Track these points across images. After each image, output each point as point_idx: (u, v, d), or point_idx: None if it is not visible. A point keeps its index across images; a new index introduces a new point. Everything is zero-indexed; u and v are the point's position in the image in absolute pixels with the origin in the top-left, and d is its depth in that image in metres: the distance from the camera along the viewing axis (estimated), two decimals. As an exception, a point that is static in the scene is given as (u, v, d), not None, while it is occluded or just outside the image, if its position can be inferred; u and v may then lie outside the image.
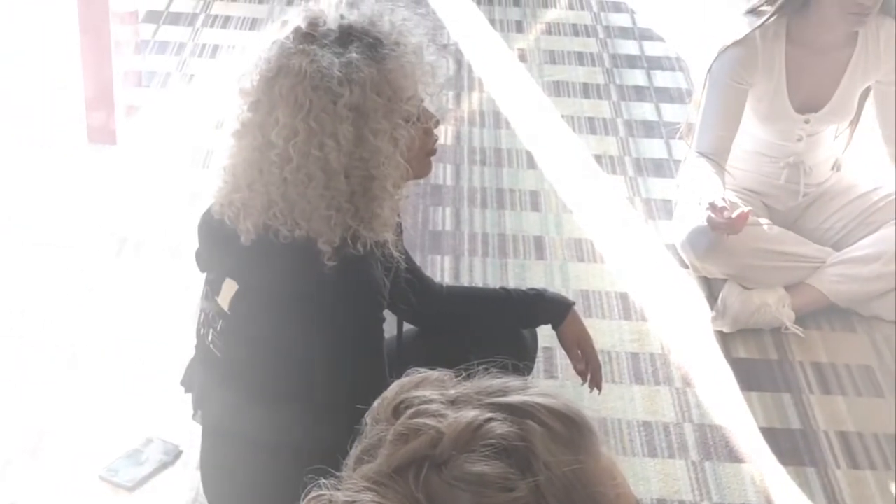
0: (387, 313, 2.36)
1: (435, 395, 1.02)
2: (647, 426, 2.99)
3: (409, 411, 1.01)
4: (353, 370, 2.16)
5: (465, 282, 3.45)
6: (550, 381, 3.07)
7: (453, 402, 1.01)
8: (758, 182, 3.50)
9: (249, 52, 2.08)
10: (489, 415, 0.99)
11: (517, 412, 0.99)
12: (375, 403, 1.04)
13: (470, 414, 0.99)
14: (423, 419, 0.99)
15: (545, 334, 2.71)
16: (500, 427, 0.98)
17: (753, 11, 3.37)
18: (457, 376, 1.05)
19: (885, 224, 3.39)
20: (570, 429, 1.00)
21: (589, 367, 2.69)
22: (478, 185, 3.94)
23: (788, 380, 3.16)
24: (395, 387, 1.04)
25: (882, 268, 3.33)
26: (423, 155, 2.23)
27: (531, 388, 1.02)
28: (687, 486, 2.81)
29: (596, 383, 2.71)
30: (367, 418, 1.04)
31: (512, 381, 1.03)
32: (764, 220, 3.40)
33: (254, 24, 4.84)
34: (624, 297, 3.44)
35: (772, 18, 3.31)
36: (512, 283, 3.40)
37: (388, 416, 1.02)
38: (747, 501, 2.78)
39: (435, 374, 1.05)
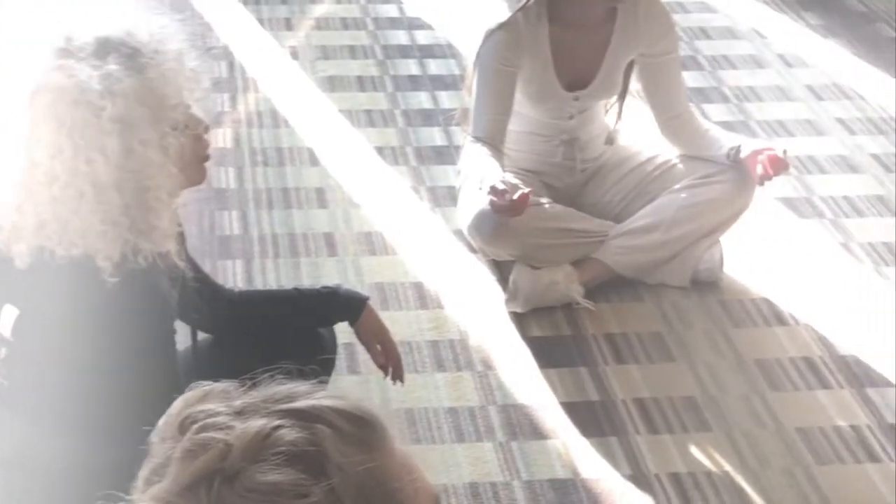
0: (179, 324, 2.32)
1: (221, 408, 1.00)
2: (453, 412, 3.01)
3: (195, 426, 0.99)
4: (144, 386, 2.11)
5: (258, 285, 3.42)
6: (354, 377, 3.06)
7: (240, 413, 1.00)
8: (535, 162, 3.55)
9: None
10: (277, 422, 0.98)
11: (306, 417, 0.99)
12: (161, 421, 1.02)
13: (258, 423, 0.98)
14: (209, 433, 0.98)
15: (346, 330, 2.70)
16: (290, 433, 0.97)
17: (514, -5, 3.42)
18: (243, 386, 1.03)
19: (662, 193, 3.47)
20: (360, 428, 1.00)
21: (389, 359, 2.70)
22: (262, 187, 3.90)
23: (584, 353, 3.22)
24: (179, 402, 1.02)
25: (662, 236, 3.42)
26: (196, 161, 2.19)
27: (318, 391, 1.01)
28: (496, 467, 2.84)
29: (398, 375, 2.72)
30: (154, 437, 1.01)
31: (299, 387, 1.02)
32: (545, 199, 3.45)
33: None
34: (419, 287, 3.46)
35: (532, 0, 3.35)
36: (306, 282, 3.38)
37: (174, 432, 1.00)
38: (555, 476, 2.83)
39: (219, 386, 1.03)
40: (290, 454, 0.96)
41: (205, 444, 0.97)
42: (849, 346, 3.25)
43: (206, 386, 1.04)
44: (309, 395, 1.01)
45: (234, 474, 0.95)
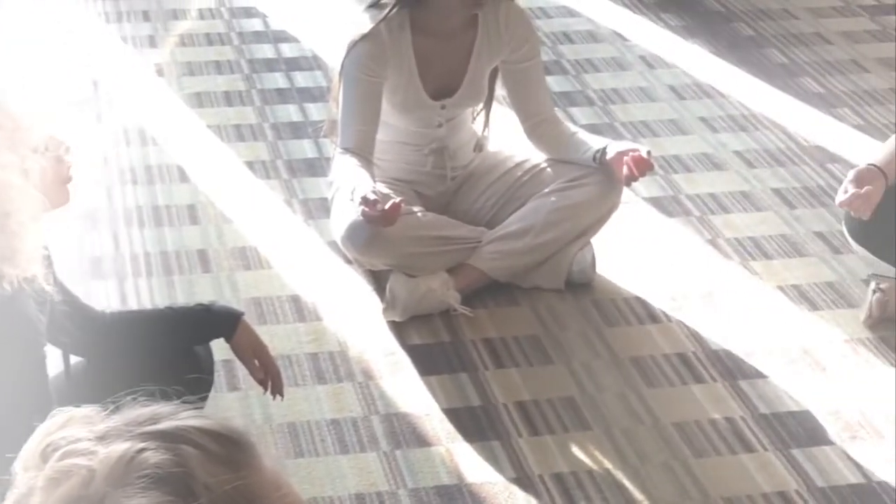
0: (51, 349, 2.28)
1: (83, 433, 0.99)
2: (336, 424, 3.01)
3: (57, 453, 0.98)
4: (15, 414, 2.08)
5: (132, 305, 3.39)
6: (234, 394, 3.05)
7: (103, 438, 0.98)
8: (406, 171, 3.58)
9: None
10: (141, 445, 0.97)
11: (170, 438, 0.98)
12: (23, 450, 1.00)
13: (121, 447, 0.96)
14: (72, 459, 0.96)
15: (224, 347, 2.69)
16: (154, 456, 0.96)
17: (375, 5, 3.43)
18: (106, 410, 1.02)
19: (532, 197, 3.51)
20: (227, 447, 0.99)
21: (268, 374, 2.69)
22: (132, 205, 3.87)
23: (463, 359, 3.25)
24: (40, 430, 1.01)
25: (534, 240, 3.46)
26: (58, 183, 2.17)
27: (183, 411, 1.00)
28: (382, 477, 2.85)
29: (277, 390, 2.72)
30: (17, 466, 1.00)
31: (162, 408, 1.01)
32: (417, 208, 3.47)
33: None
34: (296, 300, 3.45)
35: (394, 10, 3.37)
36: (181, 300, 3.35)
37: (37, 461, 0.98)
38: (441, 482, 2.85)
39: (82, 411, 1.02)
40: (156, 477, 0.95)
41: (67, 472, 0.95)
42: (720, 341, 3.32)
43: (68, 411, 1.02)
44: (173, 416, 1.00)
45: (98, 500, 0.94)
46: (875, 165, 3.33)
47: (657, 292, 3.52)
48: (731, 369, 3.22)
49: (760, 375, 3.19)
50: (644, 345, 3.31)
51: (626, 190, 3.58)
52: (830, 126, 4.47)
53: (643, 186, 3.96)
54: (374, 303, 3.44)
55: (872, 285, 3.40)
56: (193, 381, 2.50)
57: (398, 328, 3.35)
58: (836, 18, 5.37)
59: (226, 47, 4.92)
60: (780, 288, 3.55)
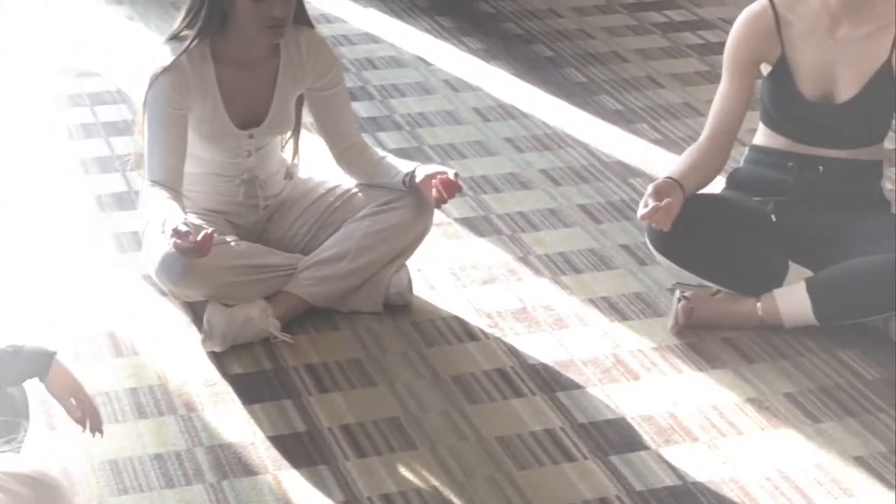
0: None
1: None
2: (160, 458, 2.98)
3: None
4: None
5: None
6: (52, 434, 3.00)
7: None
8: (218, 202, 3.57)
9: None
10: None
11: None
12: None
13: None
14: None
15: (39, 386, 2.65)
16: None
17: (176, 37, 3.42)
18: None
19: (346, 222, 3.55)
20: (34, 489, 0.99)
21: (85, 413, 2.66)
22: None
23: (286, 386, 3.26)
24: None
25: (350, 264, 3.49)
26: None
27: None
28: (209, 508, 2.84)
29: (96, 428, 2.69)
30: None
31: None
32: (230, 238, 3.47)
33: None
34: (112, 336, 3.42)
35: (195, 42, 3.37)
36: (-7, 342, 3.28)
37: None
38: (269, 510, 2.85)
39: None
40: None
41: None
42: (536, 355, 3.40)
43: None
44: None
45: None
46: (672, 178, 3.46)
47: (474, 311, 3.58)
48: (549, 382, 3.30)
49: (577, 386, 3.28)
50: (464, 362, 3.37)
51: (437, 211, 3.64)
52: (630, 141, 4.62)
53: (454, 207, 4.03)
54: (192, 334, 3.43)
55: (677, 294, 3.52)
56: (7, 423, 2.46)
57: (218, 358, 3.34)
58: (630, 37, 5.55)
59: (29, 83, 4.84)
60: (591, 300, 3.65)
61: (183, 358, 3.35)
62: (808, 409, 3.21)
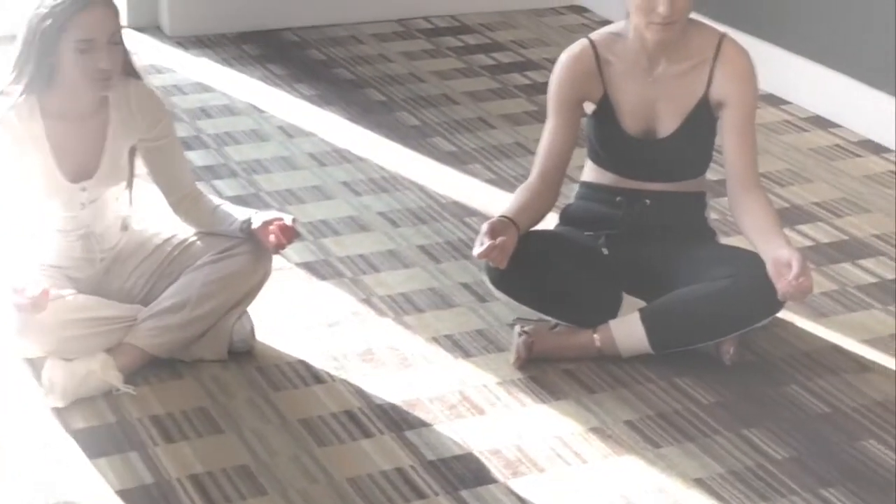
0: None
1: None
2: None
3: None
4: None
5: None
6: None
7: None
8: (56, 257, 3.54)
9: None
10: None
11: None
12: None
13: None
14: None
15: None
16: None
17: (1, 93, 3.39)
18: None
19: (184, 271, 3.54)
20: None
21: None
22: None
23: (132, 438, 3.23)
24: None
25: (190, 314, 3.48)
26: None
27: None
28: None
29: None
30: None
31: None
32: (67, 291, 3.43)
33: None
34: (-49, 396, 3.35)
35: (21, 97, 3.35)
36: None
37: None
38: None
39: None
40: None
41: None
42: (384, 395, 3.43)
43: None
44: None
45: None
46: (506, 216, 3.53)
47: (319, 354, 3.60)
48: (397, 421, 3.33)
49: (424, 424, 3.32)
50: (311, 405, 3.38)
51: (277, 257, 3.65)
52: (464, 182, 4.70)
53: (294, 252, 4.05)
54: (33, 390, 3.37)
55: (517, 329, 3.59)
56: None
57: (61, 413, 3.30)
58: (460, 80, 5.65)
59: None
60: (435, 339, 3.70)
61: (24, 415, 3.29)
62: (649, 435, 3.31)
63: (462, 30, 6.25)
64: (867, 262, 4.19)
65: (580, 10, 6.53)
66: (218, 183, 4.58)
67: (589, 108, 3.69)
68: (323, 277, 4.01)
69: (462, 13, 6.43)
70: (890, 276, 4.09)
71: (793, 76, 5.42)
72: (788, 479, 3.14)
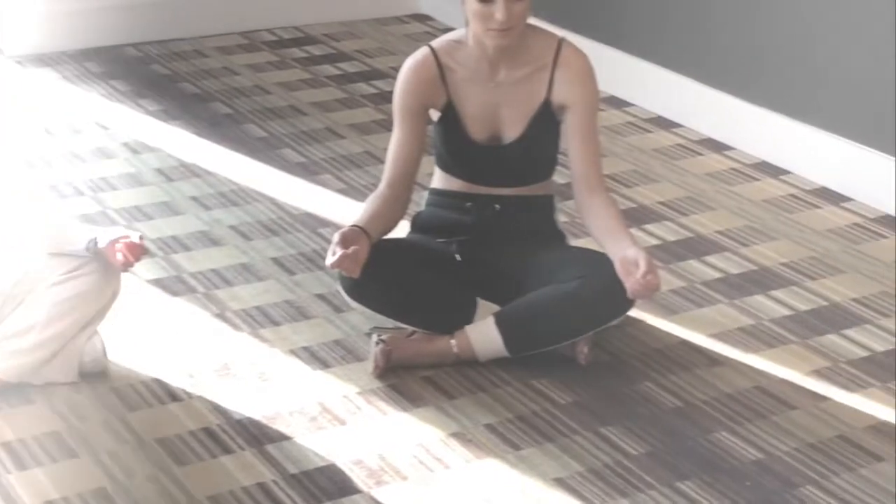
0: None
1: None
2: None
3: None
4: None
5: None
6: None
7: None
8: None
9: None
10: None
11: None
12: None
13: None
14: None
15: None
16: None
17: None
18: None
19: (28, 294, 3.46)
20: None
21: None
22: None
23: (-16, 467, 3.15)
24: None
25: (38, 336, 3.42)
26: None
27: None
28: None
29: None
30: None
31: None
32: None
33: None
34: None
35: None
36: None
37: None
38: None
39: None
40: None
41: None
42: (242, 410, 3.40)
43: None
44: None
45: None
46: (358, 226, 3.54)
47: (174, 371, 3.56)
48: (257, 436, 3.31)
49: (285, 437, 3.30)
50: (168, 424, 3.34)
51: (128, 275, 3.60)
52: (315, 192, 4.69)
53: (145, 269, 4.00)
54: None
55: (374, 338, 3.60)
56: None
57: None
58: (306, 90, 5.64)
59: None
60: (292, 351, 3.68)
61: None
62: (509, 437, 3.34)
63: (306, 41, 6.24)
64: (713, 259, 4.28)
65: (423, 18, 6.57)
66: (64, 202, 4.50)
67: (434, 115, 3.71)
68: (175, 294, 3.97)
69: (306, 24, 6.41)
70: (734, 272, 4.19)
71: (634, 78, 5.53)
72: (646, 473, 3.20)
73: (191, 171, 4.81)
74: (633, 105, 5.53)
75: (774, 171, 4.92)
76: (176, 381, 3.52)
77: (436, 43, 3.71)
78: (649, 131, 5.31)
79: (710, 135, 5.22)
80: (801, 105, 4.88)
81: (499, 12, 3.48)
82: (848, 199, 4.69)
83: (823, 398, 3.53)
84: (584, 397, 3.52)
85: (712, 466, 3.24)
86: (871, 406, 3.49)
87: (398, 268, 3.61)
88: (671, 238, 4.43)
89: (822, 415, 3.46)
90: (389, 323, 3.65)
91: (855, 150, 4.70)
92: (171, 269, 4.11)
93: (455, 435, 3.34)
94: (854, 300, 4.03)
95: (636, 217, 4.51)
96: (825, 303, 4.01)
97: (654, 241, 4.39)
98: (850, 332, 3.85)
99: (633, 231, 4.13)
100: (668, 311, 3.95)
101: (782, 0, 4.92)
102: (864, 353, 3.74)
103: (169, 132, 5.15)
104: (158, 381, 3.52)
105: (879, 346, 3.77)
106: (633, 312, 3.74)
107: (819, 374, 3.64)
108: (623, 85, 5.53)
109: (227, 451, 3.24)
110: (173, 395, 3.46)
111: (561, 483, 3.17)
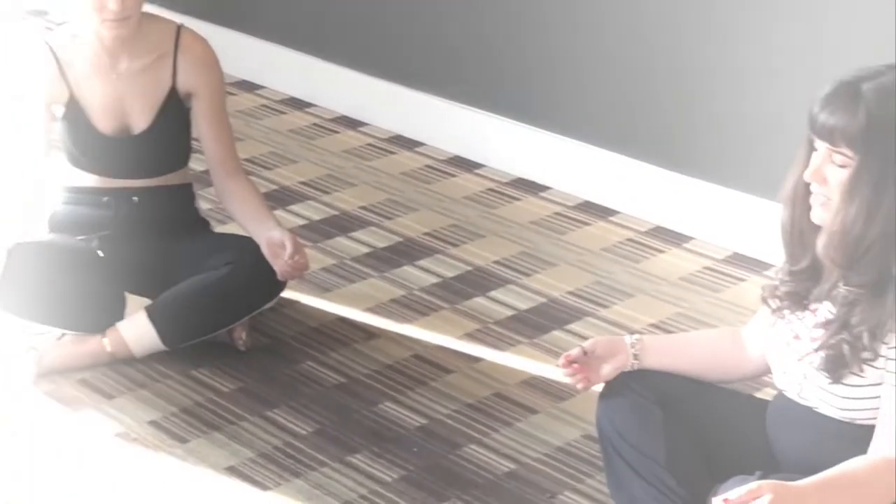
0: None
1: None
2: None
3: None
4: None
5: None
6: None
7: None
8: None
9: None
10: None
11: None
12: None
13: None
14: None
15: None
16: None
17: None
18: None
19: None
20: None
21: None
22: None
23: None
24: None
25: None
26: None
27: None
28: None
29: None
30: None
31: None
32: None
33: None
34: None
35: None
36: None
37: None
38: None
39: None
40: None
41: None
42: None
43: None
44: None
45: None
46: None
47: None
48: None
49: None
50: None
51: None
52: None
53: None
54: None
55: (23, 345, 3.47)
56: None
57: None
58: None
59: None
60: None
61: None
62: (175, 431, 3.29)
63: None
64: (359, 234, 4.34)
65: (38, 13, 6.33)
66: None
67: (59, 111, 3.60)
68: None
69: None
70: (381, 245, 4.27)
71: (263, 61, 5.52)
72: (316, 452, 3.22)
73: None
74: (264, 87, 5.52)
75: (409, 144, 5.03)
76: None
77: (50, 38, 3.60)
78: (283, 112, 5.32)
79: (344, 112, 5.27)
80: (431, 79, 5.00)
81: (112, 2, 3.40)
82: (481, 166, 4.84)
83: (477, 359, 3.65)
84: (248, 382, 3.51)
85: (379, 437, 3.30)
86: (521, 362, 3.64)
87: (37, 270, 3.49)
88: (316, 217, 4.46)
89: (477, 375, 3.58)
90: (37, 327, 3.53)
91: (486, 118, 4.85)
92: None
93: (119, 435, 3.26)
94: (496, 262, 4.17)
95: (279, 199, 4.52)
96: (469, 267, 4.14)
97: (301, 221, 4.41)
98: (495, 294, 3.99)
99: (278, 213, 4.14)
100: (322, 290, 3.98)
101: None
102: (510, 313, 3.88)
103: None
104: None
105: (524, 305, 3.92)
106: (287, 293, 3.75)
107: (471, 336, 3.76)
108: (253, 68, 5.51)
109: None
110: None
111: (233, 471, 3.15)
